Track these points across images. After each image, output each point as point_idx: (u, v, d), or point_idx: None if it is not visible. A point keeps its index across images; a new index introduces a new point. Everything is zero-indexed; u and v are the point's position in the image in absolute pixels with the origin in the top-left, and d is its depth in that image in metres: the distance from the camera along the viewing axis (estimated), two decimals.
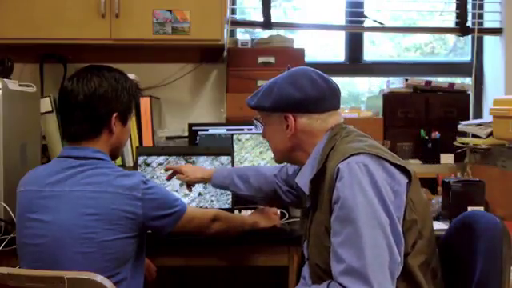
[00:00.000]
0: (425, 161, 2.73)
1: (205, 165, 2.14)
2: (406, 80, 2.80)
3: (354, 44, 3.08)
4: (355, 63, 3.08)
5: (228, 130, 2.39)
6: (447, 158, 2.72)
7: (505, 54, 2.97)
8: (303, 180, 1.46)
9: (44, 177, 1.48)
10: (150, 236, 1.58)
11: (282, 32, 2.89)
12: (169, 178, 2.00)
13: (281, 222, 2.00)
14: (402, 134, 2.75)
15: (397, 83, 2.86)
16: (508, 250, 1.31)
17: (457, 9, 3.05)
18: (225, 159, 2.16)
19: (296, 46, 2.77)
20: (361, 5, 3.03)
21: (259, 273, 2.53)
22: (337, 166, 1.30)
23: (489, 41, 3.09)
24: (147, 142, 2.42)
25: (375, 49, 3.24)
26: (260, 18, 2.91)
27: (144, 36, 2.41)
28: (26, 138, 2.03)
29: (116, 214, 1.42)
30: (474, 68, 3.03)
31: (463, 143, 2.62)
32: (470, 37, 3.05)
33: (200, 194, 2.12)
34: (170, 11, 2.40)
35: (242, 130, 2.37)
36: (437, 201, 2.17)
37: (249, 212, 2.10)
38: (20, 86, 2.02)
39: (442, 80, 2.87)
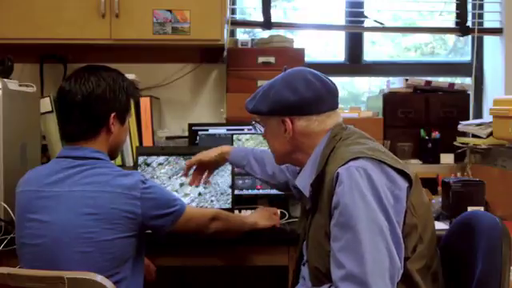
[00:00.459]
0: (425, 161, 2.73)
1: None
2: (406, 80, 2.80)
3: (354, 44, 3.08)
4: (355, 63, 3.08)
5: (228, 130, 2.39)
6: (447, 158, 2.72)
7: (505, 54, 2.97)
8: (303, 182, 1.45)
9: (43, 177, 1.48)
10: (150, 236, 1.58)
11: (281, 32, 2.89)
12: (198, 184, 1.97)
13: (281, 222, 2.01)
14: (402, 134, 2.75)
15: (397, 83, 2.86)
16: (508, 249, 1.31)
17: (457, 9, 3.05)
18: None
19: (296, 45, 2.77)
20: (361, 5, 3.03)
21: (259, 273, 2.53)
22: (336, 170, 1.29)
23: (489, 41, 3.09)
24: (147, 142, 2.42)
25: (375, 49, 3.24)
26: (260, 18, 2.91)
27: (144, 36, 2.41)
28: (25, 137, 2.03)
29: (115, 214, 1.42)
30: (474, 68, 3.03)
31: (463, 143, 2.62)
32: (469, 37, 3.05)
33: (200, 194, 2.12)
34: (170, 11, 2.40)
35: (242, 130, 2.37)
36: (437, 201, 2.16)
37: (249, 212, 2.11)
38: (20, 86, 2.02)
39: (442, 80, 2.87)
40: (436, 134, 2.74)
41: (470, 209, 1.98)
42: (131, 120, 2.40)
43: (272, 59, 2.65)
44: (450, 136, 2.69)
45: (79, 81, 1.50)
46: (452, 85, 2.81)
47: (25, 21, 2.37)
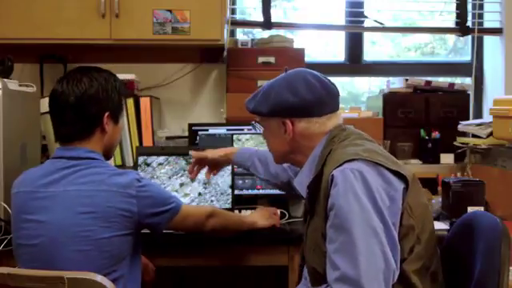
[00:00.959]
0: (425, 161, 2.73)
1: None
2: (406, 80, 2.80)
3: (354, 44, 3.08)
4: (355, 63, 3.08)
5: (228, 130, 2.39)
6: (447, 158, 2.72)
7: (505, 54, 2.97)
8: (301, 183, 1.46)
9: (38, 178, 1.49)
10: (150, 236, 1.58)
11: (282, 32, 2.89)
12: (194, 177, 2.00)
13: (281, 222, 2.01)
14: (402, 134, 2.75)
15: (397, 83, 2.86)
16: (507, 250, 1.31)
17: (457, 9, 3.05)
18: None
19: (296, 46, 2.77)
20: (361, 5, 3.03)
21: (259, 273, 2.54)
22: (331, 172, 1.30)
23: (489, 41, 3.09)
24: (147, 142, 2.42)
25: (375, 49, 3.24)
26: (260, 18, 2.91)
27: (144, 36, 2.41)
28: (25, 137, 2.03)
29: (112, 212, 1.43)
30: (474, 68, 3.03)
31: (463, 143, 2.62)
32: (469, 37, 3.05)
33: (200, 193, 2.12)
34: (170, 11, 2.40)
35: (242, 130, 2.37)
36: (437, 201, 2.17)
37: (249, 212, 2.11)
38: (20, 86, 2.02)
39: (442, 80, 2.87)
40: (436, 134, 2.74)
41: (470, 209, 1.98)
42: (131, 120, 2.40)
43: (272, 59, 2.65)
44: (450, 136, 2.69)
45: (72, 82, 1.51)
46: (452, 85, 2.81)
47: (24, 21, 2.37)
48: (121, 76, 2.37)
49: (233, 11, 2.90)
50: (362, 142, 1.40)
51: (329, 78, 1.51)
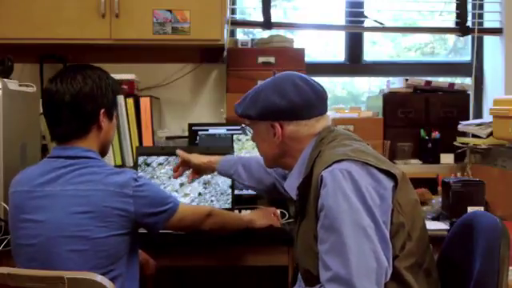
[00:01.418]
0: (425, 161, 2.73)
1: None
2: (406, 80, 2.80)
3: (354, 44, 3.08)
4: (355, 63, 3.08)
5: (228, 130, 2.40)
6: (447, 158, 2.72)
7: (505, 54, 2.97)
8: (291, 185, 1.47)
9: (35, 177, 1.49)
10: (149, 236, 1.58)
11: (282, 32, 2.89)
12: (176, 177, 2.00)
13: (281, 222, 2.01)
14: (402, 134, 2.75)
15: (397, 83, 2.86)
16: (506, 250, 1.31)
17: (457, 9, 3.05)
18: None
19: (296, 46, 2.77)
20: (361, 5, 3.03)
21: (259, 273, 2.53)
22: (320, 173, 1.30)
23: (489, 41, 3.09)
24: (147, 142, 2.42)
25: (375, 49, 3.24)
26: (260, 18, 2.91)
27: (144, 36, 2.41)
28: (25, 137, 2.03)
29: (108, 212, 1.43)
30: (474, 68, 3.03)
31: (463, 143, 2.62)
32: (469, 37, 3.05)
33: (200, 194, 2.12)
34: (170, 11, 2.40)
35: None
36: (437, 201, 2.16)
37: (248, 212, 2.10)
38: (20, 86, 2.02)
39: (442, 80, 2.87)
40: (436, 134, 2.74)
41: (470, 209, 1.98)
42: (131, 120, 2.40)
43: (272, 59, 2.65)
44: (450, 136, 2.69)
45: (66, 80, 1.51)
46: (452, 85, 2.81)
47: (24, 21, 2.37)
48: (121, 76, 2.40)
49: (233, 11, 2.90)
50: (350, 143, 1.40)
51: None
